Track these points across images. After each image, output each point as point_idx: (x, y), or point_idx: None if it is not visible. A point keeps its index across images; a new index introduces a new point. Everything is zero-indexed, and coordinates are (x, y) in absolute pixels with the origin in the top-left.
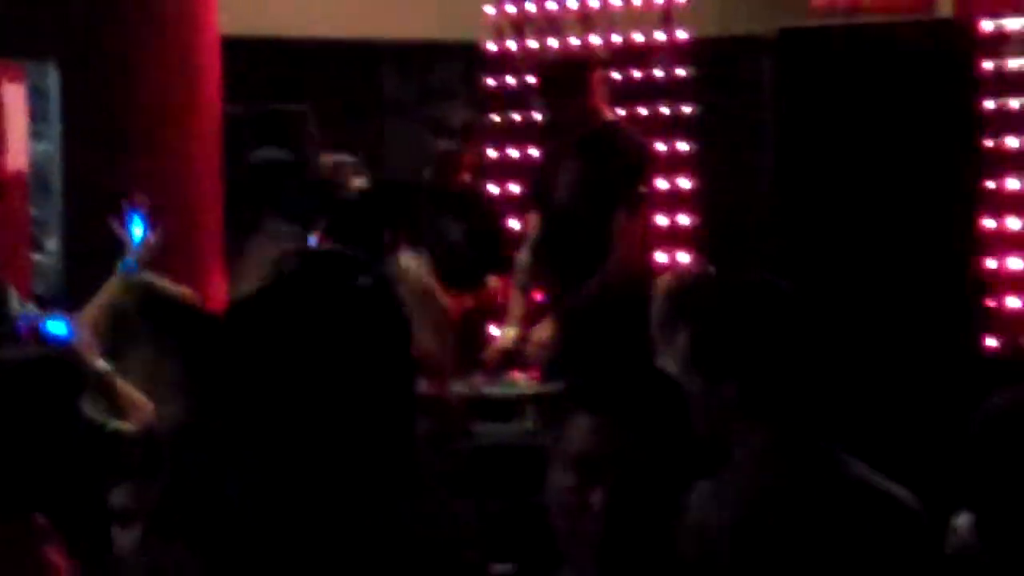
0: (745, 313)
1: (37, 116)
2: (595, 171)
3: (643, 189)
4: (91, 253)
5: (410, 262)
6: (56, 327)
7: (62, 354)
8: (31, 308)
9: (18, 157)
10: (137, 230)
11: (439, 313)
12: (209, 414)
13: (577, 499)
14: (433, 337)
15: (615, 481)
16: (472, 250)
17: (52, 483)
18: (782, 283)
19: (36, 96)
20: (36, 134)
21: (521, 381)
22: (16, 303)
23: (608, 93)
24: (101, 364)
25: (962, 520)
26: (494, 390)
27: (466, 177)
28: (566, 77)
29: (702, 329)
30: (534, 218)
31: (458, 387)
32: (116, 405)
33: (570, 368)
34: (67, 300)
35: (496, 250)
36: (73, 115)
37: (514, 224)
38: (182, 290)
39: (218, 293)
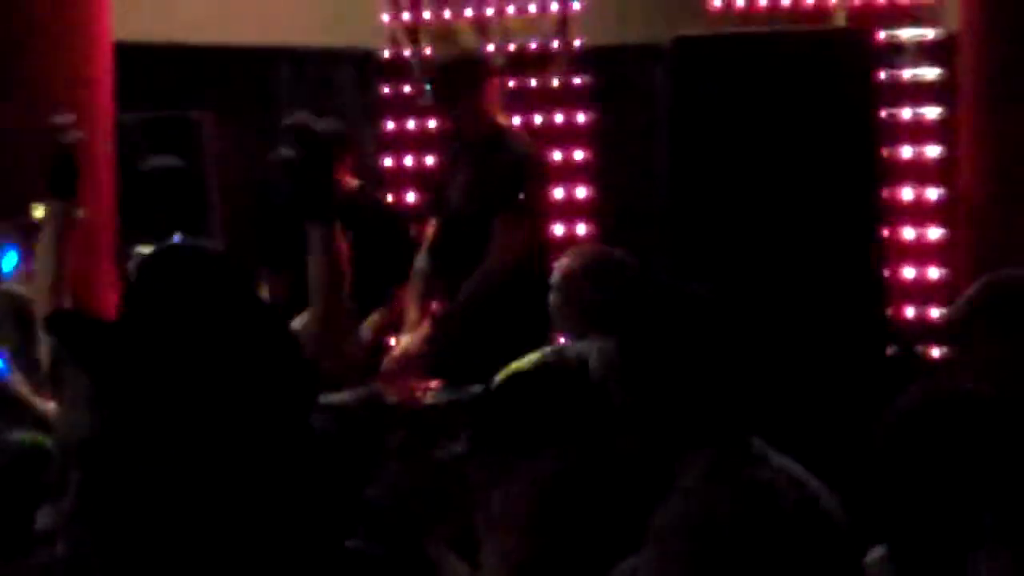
0: (677, 326)
1: None
2: (481, 175)
3: (524, 194)
4: None
5: None
6: None
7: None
8: None
9: None
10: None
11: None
12: (115, 423)
13: None
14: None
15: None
16: (363, 260)
17: None
18: (707, 293)
19: None
20: None
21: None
22: None
23: (501, 100)
24: (38, 404)
25: (873, 555)
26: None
27: (351, 183)
28: (460, 75)
29: (632, 343)
30: (432, 225)
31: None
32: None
33: (446, 380)
34: None
35: (391, 257)
36: None
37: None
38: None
39: (113, 303)
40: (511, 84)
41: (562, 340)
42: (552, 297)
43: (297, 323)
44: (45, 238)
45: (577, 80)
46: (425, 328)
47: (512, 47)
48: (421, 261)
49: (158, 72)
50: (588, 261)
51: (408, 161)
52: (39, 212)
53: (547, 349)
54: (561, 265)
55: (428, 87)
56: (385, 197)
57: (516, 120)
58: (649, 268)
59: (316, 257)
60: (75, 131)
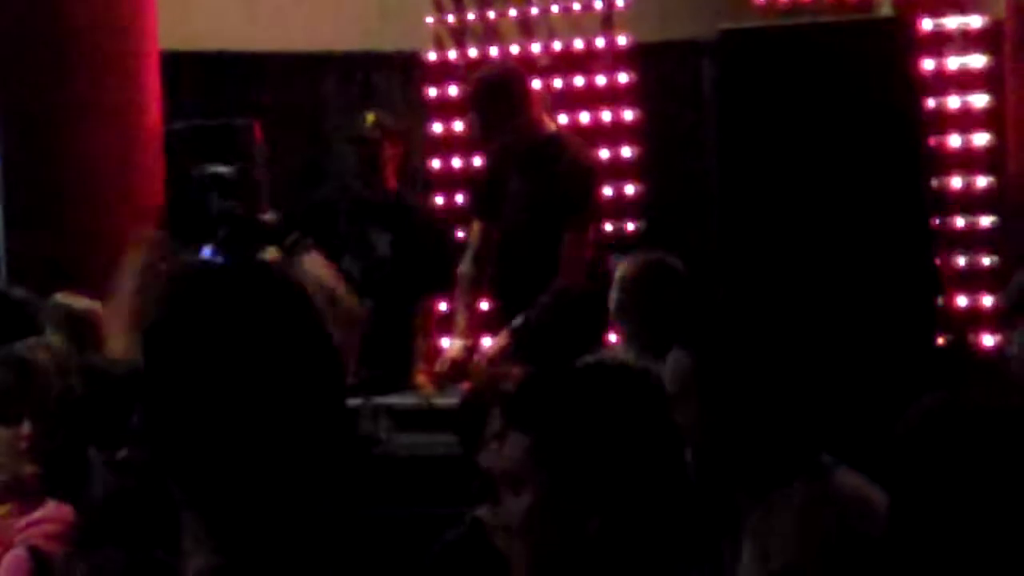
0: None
1: None
2: (544, 186)
3: (592, 208)
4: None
5: (314, 264)
6: None
7: None
8: None
9: None
10: None
11: (344, 313)
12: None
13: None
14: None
15: (537, 499)
16: (400, 262)
17: None
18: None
19: None
20: None
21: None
22: None
23: (546, 101)
24: None
25: None
26: (444, 400)
27: (392, 184)
28: (504, 96)
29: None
30: (476, 229)
31: (411, 398)
32: None
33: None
34: None
35: (428, 262)
36: (10, 136)
37: (460, 235)
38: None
39: None
40: (557, 83)
41: (612, 337)
42: (613, 299)
43: None
44: (135, 262)
45: (623, 77)
46: (504, 338)
47: (557, 45)
48: (467, 266)
49: (205, 80)
50: (645, 267)
51: (456, 163)
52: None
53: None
54: (621, 269)
55: (474, 117)
56: (427, 200)
57: (563, 119)
58: (702, 267)
59: None
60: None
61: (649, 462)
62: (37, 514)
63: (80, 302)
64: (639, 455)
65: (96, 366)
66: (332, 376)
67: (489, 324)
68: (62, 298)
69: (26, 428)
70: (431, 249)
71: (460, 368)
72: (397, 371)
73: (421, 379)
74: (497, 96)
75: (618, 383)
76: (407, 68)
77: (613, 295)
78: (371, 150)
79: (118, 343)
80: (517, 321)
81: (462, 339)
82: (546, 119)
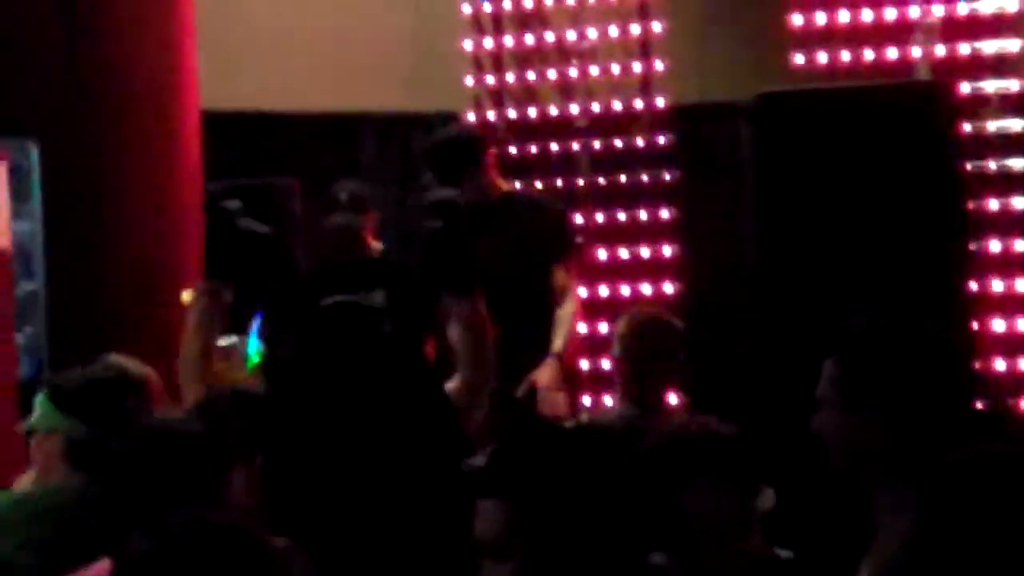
0: (900, 346)
1: (18, 195)
2: (525, 237)
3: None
4: (74, 333)
5: None
6: None
7: None
8: None
9: (1, 236)
10: None
11: None
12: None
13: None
14: None
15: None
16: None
17: None
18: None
19: (17, 175)
20: (17, 213)
21: None
22: None
23: (499, 167)
24: None
25: None
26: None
27: (375, 247)
28: (459, 153)
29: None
30: None
31: None
32: None
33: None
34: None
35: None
36: (54, 194)
37: None
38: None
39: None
40: (596, 145)
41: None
42: (613, 354)
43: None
44: (194, 316)
45: (661, 139)
46: (551, 368)
47: (596, 107)
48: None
49: (245, 139)
50: (643, 323)
51: None
52: (187, 296)
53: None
54: (620, 325)
55: (430, 171)
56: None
57: (601, 180)
58: (741, 329)
59: (457, 329)
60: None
61: (625, 525)
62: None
63: (135, 365)
64: (617, 519)
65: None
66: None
67: None
68: (116, 360)
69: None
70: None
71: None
72: None
73: None
74: (454, 152)
75: (594, 448)
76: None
77: (613, 351)
78: (351, 235)
79: (190, 394)
80: (558, 345)
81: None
82: (498, 180)
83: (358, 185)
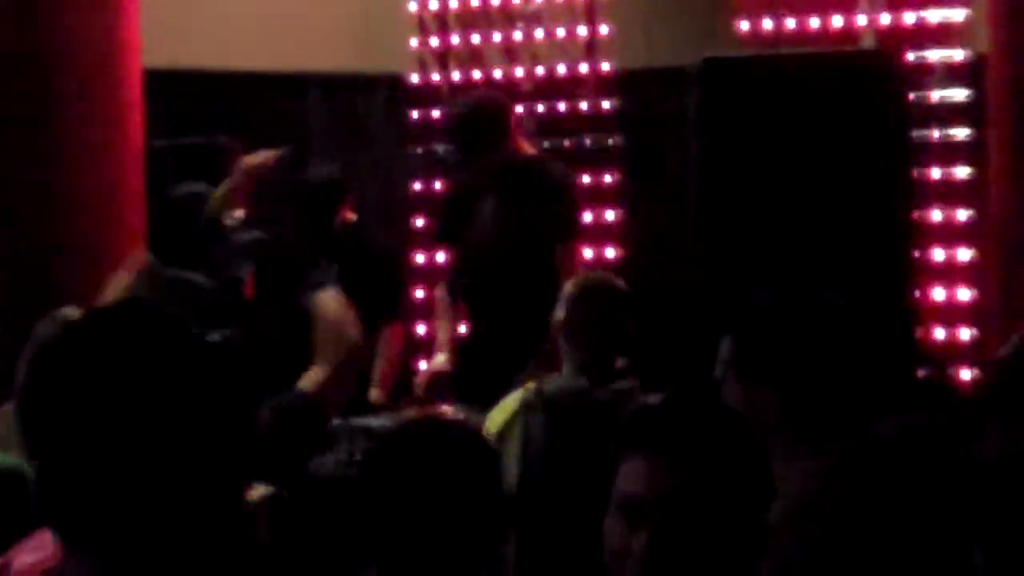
0: (792, 320)
1: None
2: (524, 206)
3: (580, 220)
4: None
5: (326, 299)
6: None
7: None
8: None
9: None
10: None
11: (345, 351)
12: None
13: (622, 543)
14: (330, 372)
15: (657, 526)
16: (352, 293)
17: None
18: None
19: None
20: None
21: (450, 412)
22: None
23: (525, 126)
24: None
25: None
26: None
27: (350, 218)
28: (488, 124)
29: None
30: (448, 252)
31: (387, 419)
32: None
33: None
34: None
35: (377, 292)
36: None
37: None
38: None
39: None
40: (540, 109)
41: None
42: (557, 319)
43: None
44: (119, 283)
45: (606, 104)
46: (446, 353)
47: (541, 72)
48: (442, 290)
49: (188, 99)
50: (590, 285)
51: (437, 185)
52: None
53: (528, 387)
54: (567, 288)
55: (454, 144)
56: (409, 223)
57: (546, 145)
58: (683, 294)
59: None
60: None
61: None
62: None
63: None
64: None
65: None
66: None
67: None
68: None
69: None
70: (383, 279)
71: (442, 380)
72: (358, 393)
73: (375, 394)
74: (481, 124)
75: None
76: (390, 90)
77: (557, 315)
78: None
79: None
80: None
81: (445, 354)
82: (524, 144)
83: (331, 169)
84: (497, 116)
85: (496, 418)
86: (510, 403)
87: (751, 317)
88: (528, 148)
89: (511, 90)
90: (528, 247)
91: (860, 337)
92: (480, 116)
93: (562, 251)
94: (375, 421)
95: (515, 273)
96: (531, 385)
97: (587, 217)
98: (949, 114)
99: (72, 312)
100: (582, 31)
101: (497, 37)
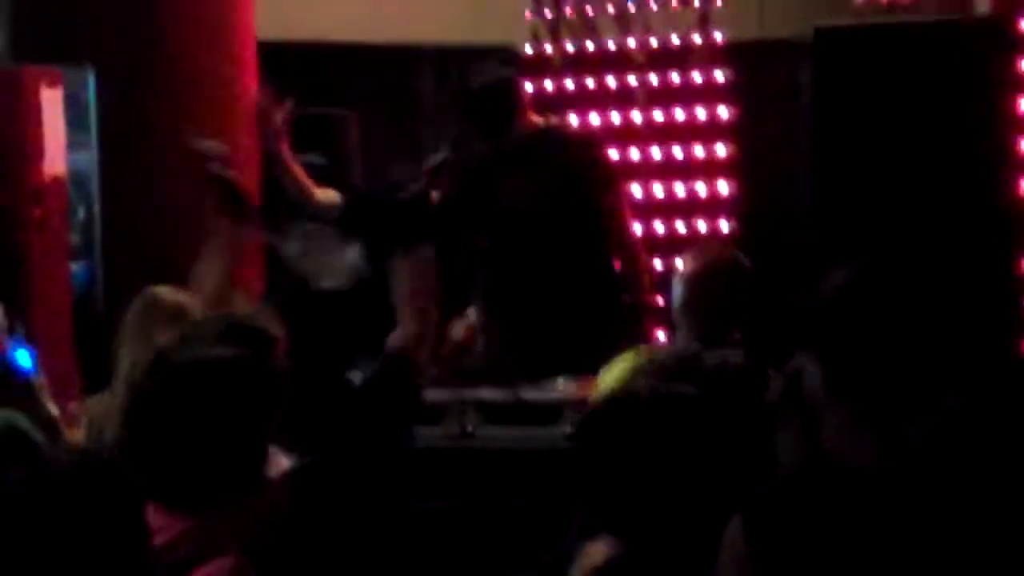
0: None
1: (74, 125)
2: (557, 176)
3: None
4: (129, 261)
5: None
6: (22, 357)
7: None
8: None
9: (56, 163)
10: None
11: (424, 319)
12: None
13: None
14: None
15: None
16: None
17: None
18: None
19: (73, 105)
20: (74, 141)
21: (561, 385)
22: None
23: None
24: (52, 407)
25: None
26: (533, 394)
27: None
28: (501, 99)
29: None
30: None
31: (496, 394)
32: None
33: None
34: (104, 308)
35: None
36: (110, 124)
37: None
38: None
39: (255, 290)
40: (653, 79)
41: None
42: (676, 295)
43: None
44: (214, 249)
45: (719, 75)
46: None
47: (653, 42)
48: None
49: (302, 70)
50: (711, 263)
51: None
52: None
53: (641, 350)
54: (686, 265)
55: (471, 121)
56: None
57: (658, 115)
58: (795, 267)
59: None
60: (218, 165)
61: None
62: None
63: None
64: None
65: None
66: None
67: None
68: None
69: None
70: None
71: (463, 348)
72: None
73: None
74: (497, 99)
75: None
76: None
77: (676, 290)
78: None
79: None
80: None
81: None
82: (533, 116)
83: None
84: (510, 90)
85: (605, 379)
86: (619, 366)
87: (826, 296)
88: (536, 119)
89: (625, 60)
90: (574, 216)
91: (943, 314)
92: (495, 91)
93: (618, 211)
94: (487, 394)
95: (563, 245)
96: (642, 348)
97: (700, 189)
98: None
99: (162, 291)
100: (696, 1)
101: (610, 7)
